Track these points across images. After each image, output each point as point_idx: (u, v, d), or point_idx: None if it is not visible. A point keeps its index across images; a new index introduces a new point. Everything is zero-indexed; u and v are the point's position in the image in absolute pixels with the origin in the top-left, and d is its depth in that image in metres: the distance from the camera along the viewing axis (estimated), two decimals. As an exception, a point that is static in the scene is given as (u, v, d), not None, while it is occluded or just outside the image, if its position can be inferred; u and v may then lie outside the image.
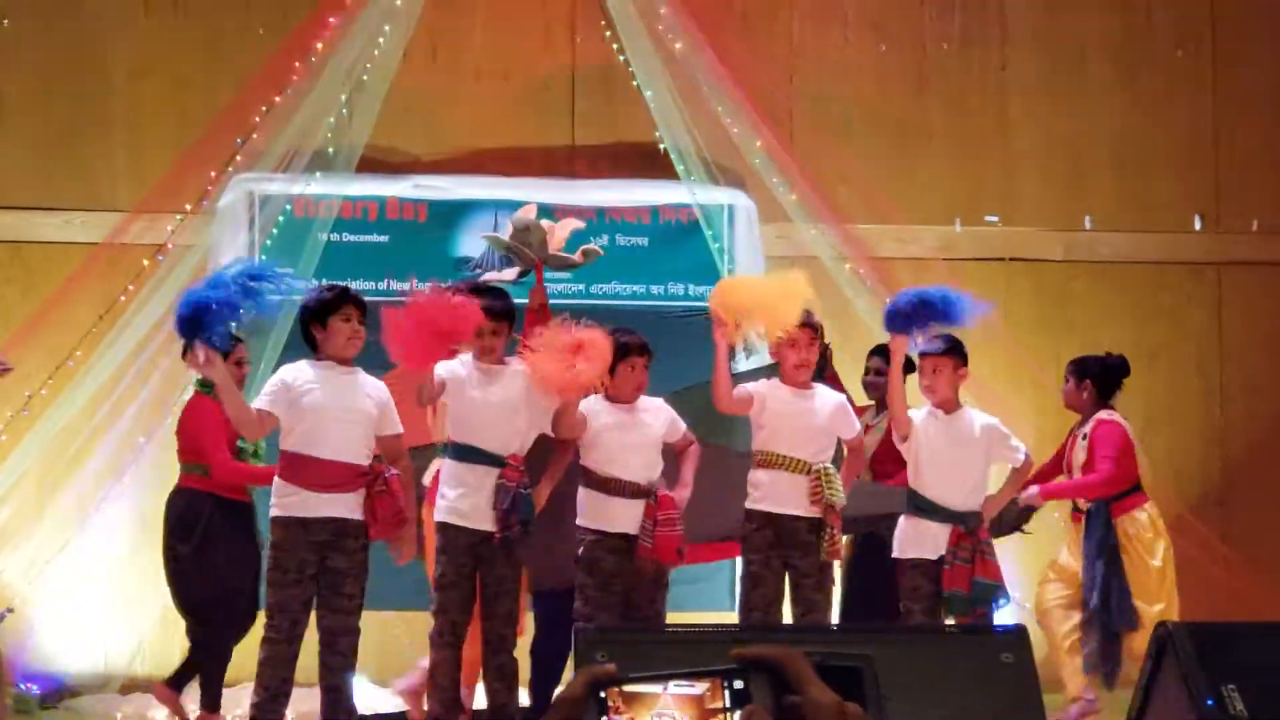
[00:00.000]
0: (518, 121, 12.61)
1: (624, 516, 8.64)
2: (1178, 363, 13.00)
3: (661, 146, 12.09)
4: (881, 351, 10.41)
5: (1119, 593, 10.39)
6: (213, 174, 11.67)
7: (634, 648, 3.11)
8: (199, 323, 7.83)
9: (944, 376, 9.36)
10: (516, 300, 9.24)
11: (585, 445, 8.80)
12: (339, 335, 8.28)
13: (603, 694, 1.64)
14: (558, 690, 1.69)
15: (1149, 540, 10.49)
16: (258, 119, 11.62)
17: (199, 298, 7.86)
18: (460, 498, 8.44)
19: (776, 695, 1.64)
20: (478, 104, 12.56)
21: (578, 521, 8.76)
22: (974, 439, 9.30)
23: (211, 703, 9.51)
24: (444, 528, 8.45)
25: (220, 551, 9.49)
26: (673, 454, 9.07)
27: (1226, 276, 13.10)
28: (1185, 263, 13.08)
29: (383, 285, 12.14)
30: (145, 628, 11.50)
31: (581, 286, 12.29)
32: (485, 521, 8.37)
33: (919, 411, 9.41)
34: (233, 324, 8.35)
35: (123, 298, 11.39)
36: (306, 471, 8.09)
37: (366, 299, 11.80)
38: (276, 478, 8.21)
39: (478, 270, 12.11)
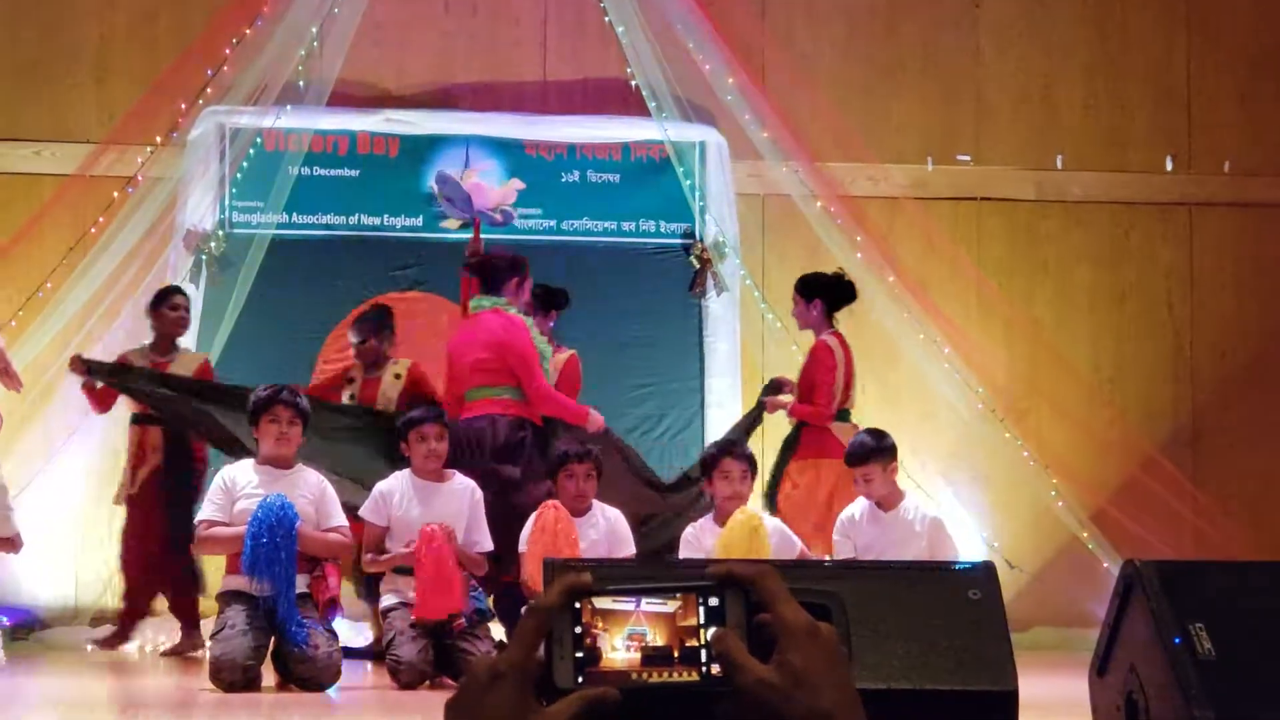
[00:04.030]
0: (489, 56, 12.56)
1: None
2: (1148, 303, 13.01)
3: (633, 83, 12.06)
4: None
5: None
6: (183, 106, 11.63)
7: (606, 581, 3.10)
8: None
9: (875, 480, 8.98)
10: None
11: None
12: (268, 437, 8.51)
13: (578, 605, 1.65)
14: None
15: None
16: (228, 51, 11.58)
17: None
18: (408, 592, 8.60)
19: (750, 614, 1.64)
20: (449, 38, 12.51)
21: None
22: (914, 536, 8.92)
23: None
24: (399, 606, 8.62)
25: None
26: None
27: (1198, 217, 13.10)
28: (1157, 203, 13.08)
29: (353, 220, 12.12)
30: (114, 560, 11.50)
31: (552, 223, 12.28)
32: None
33: (857, 507, 9.10)
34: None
35: (93, 230, 11.36)
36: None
37: (336, 233, 11.92)
38: (226, 574, 8.49)
39: (445, 204, 12.16)
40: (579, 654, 1.63)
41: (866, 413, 11.61)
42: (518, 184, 11.61)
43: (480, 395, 9.66)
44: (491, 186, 11.60)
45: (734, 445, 9.02)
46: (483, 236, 11.26)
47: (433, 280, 12.00)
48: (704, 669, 1.63)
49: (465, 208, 11.75)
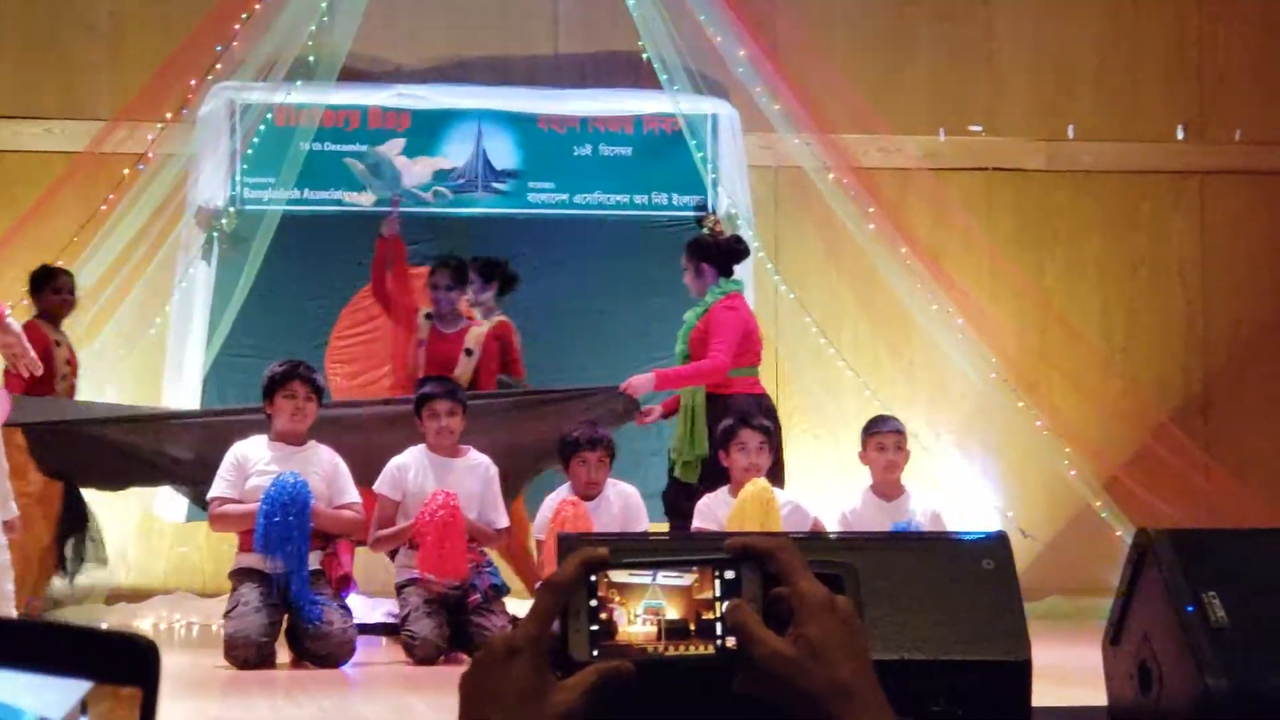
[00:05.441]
0: (501, 30, 12.54)
1: None
2: (1160, 272, 13.01)
3: (645, 55, 12.04)
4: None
5: None
6: (193, 82, 11.62)
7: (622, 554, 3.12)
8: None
9: (904, 455, 9.14)
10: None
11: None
12: (282, 413, 8.55)
13: (593, 578, 1.65)
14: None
15: None
16: (238, 26, 11.56)
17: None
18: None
19: (767, 587, 1.64)
20: (460, 12, 12.49)
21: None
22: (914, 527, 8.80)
23: None
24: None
25: None
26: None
27: (1209, 186, 13.09)
28: (1168, 172, 13.07)
29: (365, 195, 12.12)
30: (128, 538, 11.51)
31: (565, 196, 12.28)
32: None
33: (858, 499, 9.13)
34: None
35: (104, 207, 11.35)
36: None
37: (348, 209, 11.92)
38: (239, 552, 8.56)
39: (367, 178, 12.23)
40: (594, 627, 1.63)
41: (882, 384, 11.66)
42: (442, 162, 11.84)
43: (756, 374, 9.87)
44: (412, 163, 11.85)
45: (752, 416, 9.00)
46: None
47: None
48: (720, 642, 1.63)
49: (392, 184, 11.81)
